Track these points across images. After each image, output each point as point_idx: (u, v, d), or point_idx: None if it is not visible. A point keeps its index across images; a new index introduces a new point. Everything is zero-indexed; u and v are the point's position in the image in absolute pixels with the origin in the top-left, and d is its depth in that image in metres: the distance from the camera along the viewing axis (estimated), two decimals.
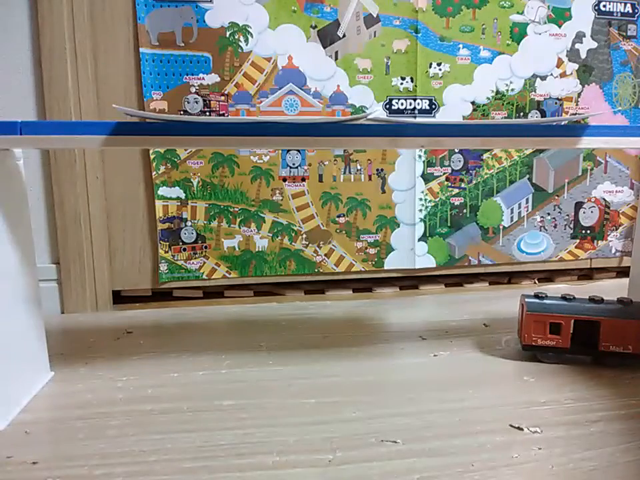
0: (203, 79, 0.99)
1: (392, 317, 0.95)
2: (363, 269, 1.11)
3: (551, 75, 1.10)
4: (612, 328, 0.68)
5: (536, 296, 0.74)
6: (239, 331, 0.89)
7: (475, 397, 0.64)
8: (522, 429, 0.57)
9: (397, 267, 1.12)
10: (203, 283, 1.06)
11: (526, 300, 0.73)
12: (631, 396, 0.64)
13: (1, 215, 0.58)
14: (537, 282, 1.20)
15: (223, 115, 1.01)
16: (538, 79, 1.10)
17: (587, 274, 1.22)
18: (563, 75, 1.11)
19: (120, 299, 1.06)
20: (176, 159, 1.01)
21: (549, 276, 1.21)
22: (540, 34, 1.09)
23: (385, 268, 1.12)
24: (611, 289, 1.12)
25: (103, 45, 0.96)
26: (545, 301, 0.72)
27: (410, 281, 1.16)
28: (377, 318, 0.95)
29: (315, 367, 0.74)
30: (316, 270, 1.09)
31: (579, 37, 1.10)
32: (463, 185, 1.12)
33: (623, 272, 1.20)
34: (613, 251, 1.20)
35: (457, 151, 1.10)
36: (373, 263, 1.11)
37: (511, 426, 0.58)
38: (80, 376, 0.71)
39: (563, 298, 0.73)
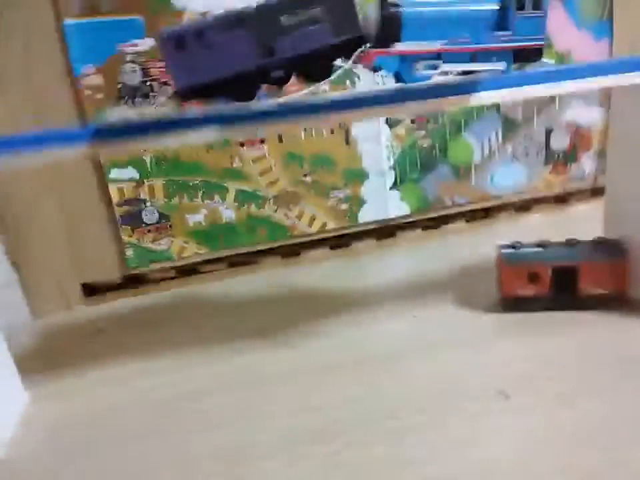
0: (137, 45, 0.90)
1: (370, 278, 0.93)
2: (336, 226, 1.07)
3: None
4: (589, 271, 0.67)
5: (512, 247, 0.72)
6: (218, 315, 0.86)
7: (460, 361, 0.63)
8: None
9: (371, 219, 1.09)
10: (174, 263, 1.02)
11: (502, 251, 0.71)
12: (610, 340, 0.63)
13: None
14: (513, 212, 1.18)
15: (166, 82, 0.93)
16: None
17: (562, 198, 1.20)
18: None
19: (91, 290, 1.01)
20: None
21: (525, 205, 1.19)
22: None
23: (360, 222, 1.08)
24: (588, 214, 1.10)
25: (22, 23, 0.86)
26: (520, 251, 0.70)
27: (386, 230, 1.13)
28: (355, 281, 0.92)
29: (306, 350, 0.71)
30: (289, 234, 1.05)
31: None
32: (429, 126, 1.07)
33: (597, 191, 1.19)
34: (587, 171, 1.18)
35: None
36: (347, 217, 1.07)
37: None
38: (58, 392, 0.68)
39: (539, 245, 0.71)
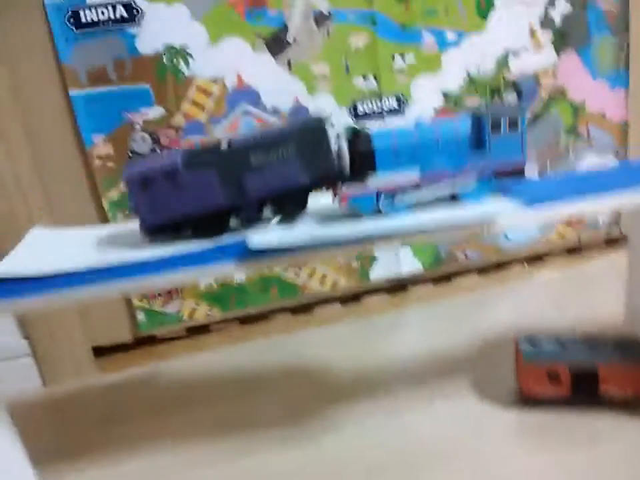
0: (147, 113, 0.89)
1: (382, 347, 0.91)
2: (348, 285, 1.06)
3: (525, 48, 1.01)
4: (609, 374, 0.66)
5: (530, 342, 0.70)
6: (222, 399, 0.84)
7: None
8: None
9: (383, 276, 1.07)
10: (185, 323, 1.02)
11: (520, 347, 0.70)
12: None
13: None
14: (526, 265, 1.16)
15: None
16: (511, 56, 1.01)
17: (576, 249, 1.19)
18: (537, 46, 1.02)
19: (101, 350, 1.01)
20: None
21: (538, 257, 1.18)
22: (509, 4, 0.98)
23: (371, 279, 1.07)
24: (603, 267, 1.08)
25: (27, 97, 0.85)
26: (539, 350, 0.69)
27: (398, 284, 1.12)
28: (366, 352, 0.90)
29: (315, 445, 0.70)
30: (300, 293, 1.04)
31: (552, 1, 1.00)
32: None
33: (612, 242, 1.17)
34: (601, 221, 1.16)
35: None
36: (358, 275, 1.06)
37: None
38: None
39: (558, 342, 0.70)
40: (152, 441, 0.75)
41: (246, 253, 0.51)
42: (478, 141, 0.57)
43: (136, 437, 0.76)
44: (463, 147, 0.57)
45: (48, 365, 0.93)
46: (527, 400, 0.71)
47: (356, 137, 0.56)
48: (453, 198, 0.58)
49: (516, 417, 0.70)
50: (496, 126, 0.56)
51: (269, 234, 0.53)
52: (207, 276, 0.56)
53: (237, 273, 0.55)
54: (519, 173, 0.58)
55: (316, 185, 0.55)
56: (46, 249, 0.60)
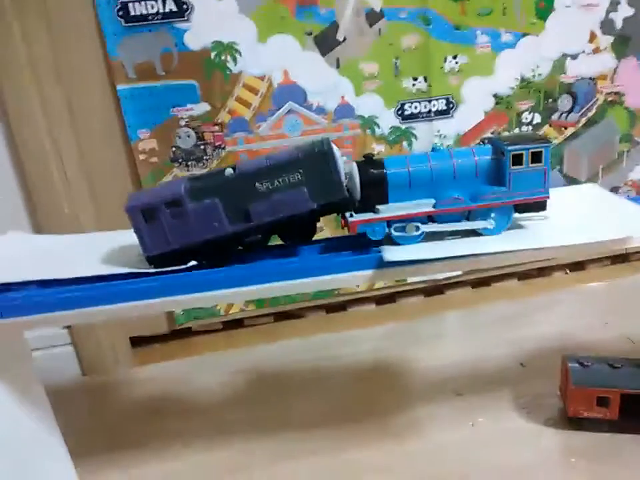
0: (192, 109, 0.89)
1: (419, 358, 0.90)
2: (384, 284, 1.05)
3: (583, 52, 0.97)
4: None
5: (579, 363, 0.69)
6: (260, 398, 0.85)
7: None
8: None
9: (419, 278, 1.06)
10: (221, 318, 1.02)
11: (570, 367, 0.68)
12: None
13: None
14: (568, 272, 1.13)
15: (219, 146, 0.91)
16: (568, 59, 0.97)
17: (621, 256, 1.15)
18: (596, 50, 0.97)
19: (138, 340, 1.02)
20: None
21: (580, 263, 1.15)
22: (569, 6, 0.94)
23: (408, 280, 1.06)
24: None
25: (75, 90, 0.85)
26: (589, 372, 0.67)
27: (435, 287, 1.10)
28: (402, 362, 0.89)
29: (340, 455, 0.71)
30: (335, 292, 1.04)
31: (614, 4, 0.95)
32: None
33: None
34: None
35: None
36: None
37: None
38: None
39: (610, 365, 0.68)
40: (185, 437, 0.76)
41: (381, 264, 0.53)
42: (497, 173, 0.55)
43: (173, 432, 0.78)
44: (481, 179, 0.55)
45: (87, 354, 0.94)
46: (572, 421, 0.70)
47: (368, 164, 0.54)
48: (471, 230, 0.56)
49: (561, 438, 0.70)
50: (518, 161, 0.53)
51: (402, 249, 0.53)
52: (341, 284, 0.57)
53: (373, 281, 0.56)
54: (540, 206, 0.56)
55: (323, 211, 0.54)
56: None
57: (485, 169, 0.55)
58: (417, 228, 0.54)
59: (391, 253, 0.52)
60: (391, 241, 0.55)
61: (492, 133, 0.99)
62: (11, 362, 0.60)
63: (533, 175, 0.54)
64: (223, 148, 0.91)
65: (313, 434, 0.75)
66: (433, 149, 0.57)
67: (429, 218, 0.55)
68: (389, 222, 0.54)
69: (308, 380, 0.87)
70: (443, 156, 0.55)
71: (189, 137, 0.90)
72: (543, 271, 1.13)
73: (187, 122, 0.89)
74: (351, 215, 0.54)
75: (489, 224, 0.55)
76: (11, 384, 0.58)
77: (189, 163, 0.91)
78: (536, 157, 0.54)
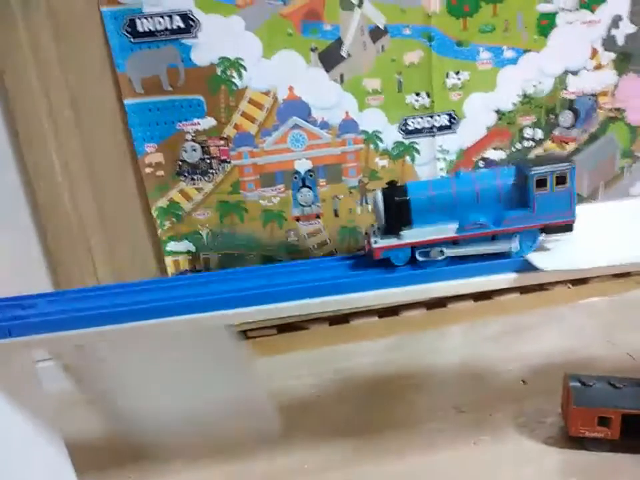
0: (198, 124, 0.90)
1: (421, 372, 0.90)
2: None
3: (584, 68, 0.98)
4: None
5: (581, 382, 0.69)
6: None
7: None
8: None
9: None
10: None
11: (571, 386, 0.69)
12: None
13: None
14: (570, 286, 1.14)
15: (225, 160, 0.92)
16: (570, 75, 0.98)
17: (622, 272, 1.15)
18: (597, 67, 0.98)
19: None
20: (181, 213, 0.94)
21: (582, 278, 1.15)
22: (571, 23, 0.95)
23: None
24: None
25: (83, 104, 0.86)
26: (592, 393, 0.68)
27: (437, 299, 1.11)
28: (403, 376, 0.89)
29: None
30: None
31: (615, 21, 0.96)
32: None
33: None
34: None
35: (481, 165, 1.01)
36: None
37: None
38: None
39: (611, 385, 0.68)
40: (186, 452, 0.76)
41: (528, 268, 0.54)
42: (521, 197, 0.55)
43: (173, 445, 0.77)
44: (504, 202, 0.55)
45: None
46: (573, 440, 0.70)
47: (392, 190, 0.55)
48: (497, 254, 0.56)
49: (562, 457, 0.70)
50: (542, 184, 0.53)
51: (551, 257, 0.54)
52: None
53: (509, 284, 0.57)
54: (567, 228, 0.56)
55: None
56: None
57: (508, 192, 0.55)
58: (442, 252, 0.55)
59: (542, 261, 0.53)
60: (415, 264, 0.55)
61: (494, 149, 1.00)
62: (17, 376, 0.60)
63: (558, 198, 0.54)
64: (229, 162, 0.92)
65: (311, 449, 0.75)
66: (456, 174, 0.57)
67: (456, 242, 0.56)
68: (413, 247, 0.55)
69: (308, 393, 0.87)
70: (465, 180, 0.56)
71: (194, 151, 0.91)
72: (544, 284, 1.14)
73: (193, 136, 0.90)
74: (375, 242, 0.55)
75: (513, 247, 0.55)
76: (16, 398, 0.59)
77: (195, 177, 0.92)
78: (561, 179, 0.54)
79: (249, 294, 0.55)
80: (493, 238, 0.56)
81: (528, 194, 0.54)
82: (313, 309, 0.57)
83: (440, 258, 0.55)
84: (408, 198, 0.55)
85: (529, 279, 0.56)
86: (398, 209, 0.55)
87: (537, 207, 0.54)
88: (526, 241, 0.56)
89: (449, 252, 0.55)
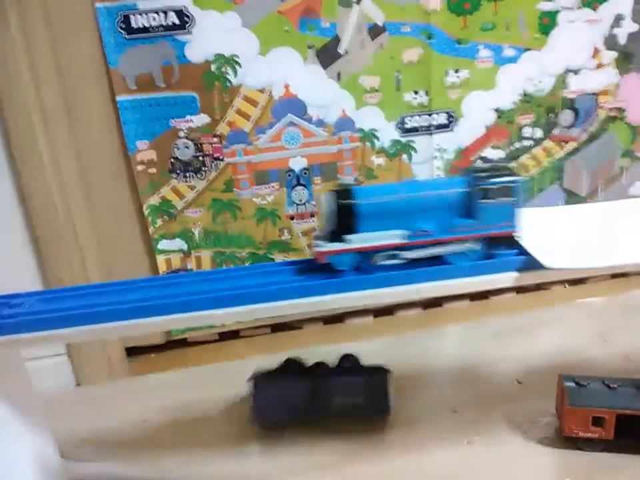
0: (191, 121, 0.88)
1: (415, 372, 0.90)
2: None
3: (586, 67, 0.96)
4: None
5: (576, 382, 0.69)
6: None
7: None
8: None
9: None
10: (217, 329, 1.02)
11: (566, 386, 0.68)
12: None
13: None
14: (567, 286, 1.13)
15: (218, 158, 0.91)
16: (571, 74, 0.97)
17: (619, 272, 1.15)
18: (599, 66, 0.97)
19: (133, 350, 1.02)
20: (173, 211, 0.93)
21: (579, 278, 1.14)
22: (573, 21, 0.93)
23: None
24: None
25: (74, 100, 0.84)
26: (586, 393, 0.67)
27: (433, 299, 1.10)
28: (398, 376, 0.88)
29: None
30: None
31: (618, 20, 0.95)
32: None
33: None
34: None
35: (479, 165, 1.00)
36: None
37: None
38: None
39: (606, 385, 0.68)
40: (180, 450, 0.75)
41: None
42: (469, 206, 0.55)
43: (167, 444, 0.77)
44: (453, 211, 0.55)
45: (82, 364, 0.94)
46: (567, 440, 0.69)
47: (339, 194, 0.54)
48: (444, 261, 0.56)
49: (556, 457, 0.69)
50: (488, 195, 0.54)
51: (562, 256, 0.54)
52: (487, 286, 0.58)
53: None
54: (509, 239, 0.56)
55: None
56: None
57: (456, 201, 0.55)
58: (388, 259, 0.54)
59: (548, 260, 0.54)
60: (361, 269, 0.55)
61: (493, 148, 0.98)
62: (6, 375, 0.59)
63: (503, 209, 0.54)
64: (222, 160, 0.91)
65: (304, 448, 0.74)
66: (406, 181, 0.57)
67: (401, 248, 0.55)
68: (358, 253, 0.54)
69: None
70: (414, 187, 0.56)
71: (187, 148, 0.89)
72: (541, 284, 1.13)
73: (185, 133, 0.89)
74: (319, 246, 0.54)
75: (459, 255, 0.56)
76: (5, 397, 0.58)
77: (187, 174, 0.91)
78: (506, 192, 0.54)
79: (180, 300, 0.55)
80: (440, 246, 0.56)
81: (474, 204, 0.54)
82: (245, 317, 0.56)
83: (386, 264, 0.54)
84: (354, 202, 0.54)
85: (476, 284, 0.57)
86: (343, 213, 0.54)
87: (482, 217, 0.54)
88: (471, 250, 0.55)
89: (396, 258, 0.55)
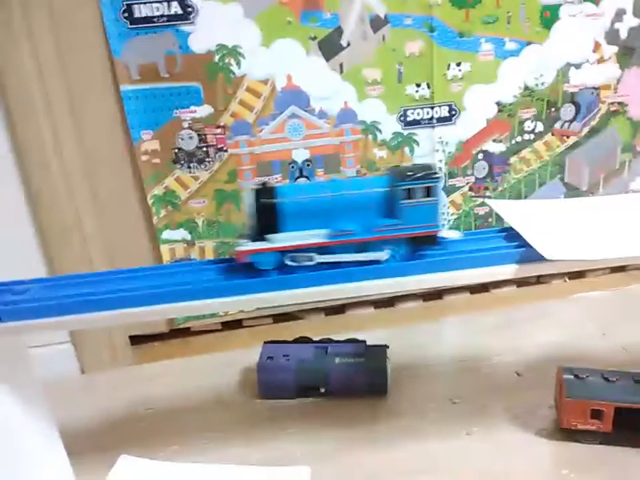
0: (195, 111, 0.89)
1: (415, 364, 0.90)
2: None
3: (587, 61, 0.97)
4: None
5: (574, 375, 0.69)
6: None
7: None
8: None
9: None
10: (221, 318, 1.03)
11: (564, 380, 0.69)
12: None
13: None
14: (567, 280, 1.14)
15: (221, 148, 0.92)
16: (572, 68, 0.97)
17: (620, 266, 1.15)
18: (600, 60, 0.97)
19: (137, 339, 1.03)
20: (177, 201, 0.93)
21: (579, 271, 1.15)
22: (574, 15, 0.94)
23: None
24: None
25: (78, 90, 0.85)
26: (585, 385, 0.68)
27: (433, 291, 1.11)
28: (398, 367, 0.89)
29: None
30: None
31: (619, 14, 0.95)
32: (487, 194, 1.03)
33: None
34: None
35: (480, 158, 1.00)
36: None
37: None
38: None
39: (604, 378, 0.68)
40: (183, 437, 0.76)
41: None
42: (391, 206, 0.55)
43: (171, 432, 0.78)
44: (376, 211, 0.55)
45: (86, 352, 0.95)
46: (565, 432, 0.70)
47: (262, 192, 0.53)
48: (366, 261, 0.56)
49: (553, 449, 0.70)
50: (410, 195, 0.54)
51: (563, 248, 0.55)
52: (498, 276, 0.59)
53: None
54: (431, 239, 0.56)
55: None
56: None
57: (380, 201, 0.55)
58: (310, 258, 0.54)
59: (549, 252, 0.54)
60: (284, 269, 0.54)
61: (494, 141, 0.99)
62: (9, 362, 0.60)
63: (424, 209, 0.54)
64: (225, 150, 0.92)
65: (304, 439, 0.75)
66: (331, 180, 0.57)
67: (323, 248, 0.55)
68: (279, 252, 0.54)
69: None
70: (338, 186, 0.56)
71: (191, 138, 0.90)
72: (541, 278, 1.14)
73: (189, 124, 0.89)
74: (240, 245, 0.54)
75: (383, 255, 0.55)
76: (8, 384, 0.59)
77: (191, 165, 0.92)
78: (427, 192, 0.54)
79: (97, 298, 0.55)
80: (365, 245, 0.56)
81: (397, 204, 0.54)
82: (164, 314, 0.57)
83: (309, 263, 0.54)
84: (276, 201, 0.53)
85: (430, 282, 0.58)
86: (266, 211, 0.53)
87: (404, 217, 0.54)
88: (395, 250, 0.56)
89: (318, 258, 0.54)
